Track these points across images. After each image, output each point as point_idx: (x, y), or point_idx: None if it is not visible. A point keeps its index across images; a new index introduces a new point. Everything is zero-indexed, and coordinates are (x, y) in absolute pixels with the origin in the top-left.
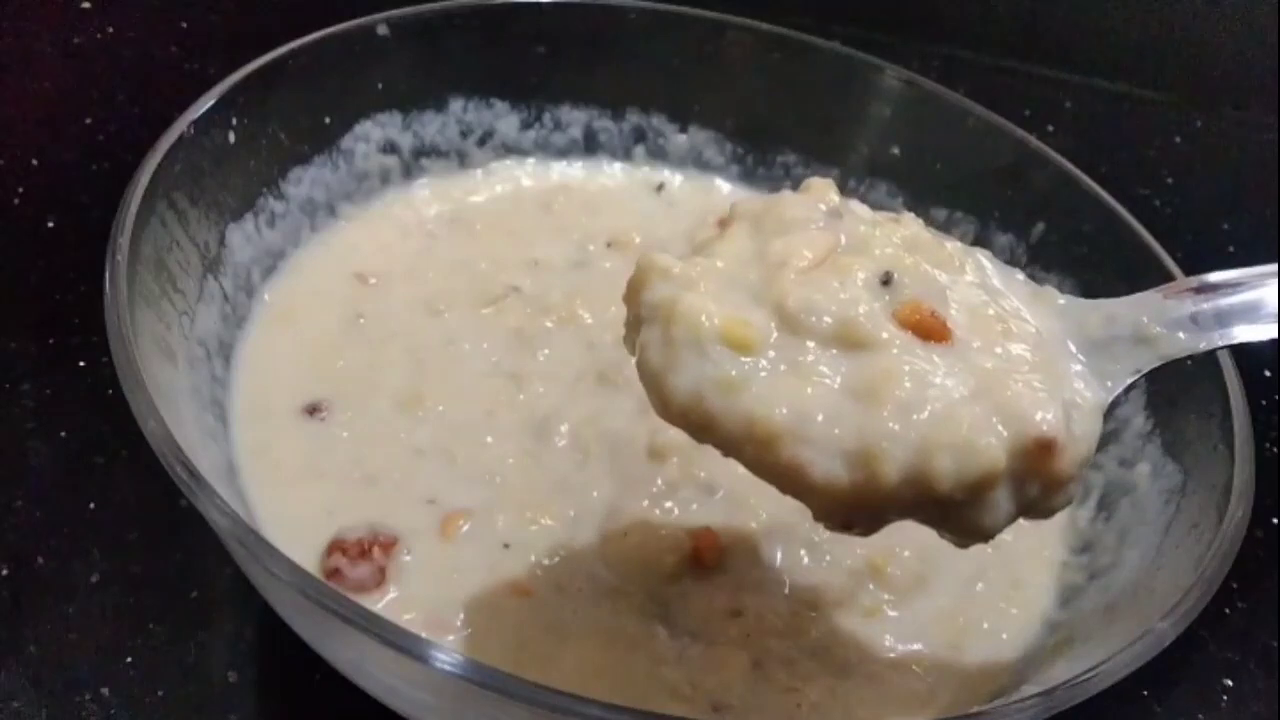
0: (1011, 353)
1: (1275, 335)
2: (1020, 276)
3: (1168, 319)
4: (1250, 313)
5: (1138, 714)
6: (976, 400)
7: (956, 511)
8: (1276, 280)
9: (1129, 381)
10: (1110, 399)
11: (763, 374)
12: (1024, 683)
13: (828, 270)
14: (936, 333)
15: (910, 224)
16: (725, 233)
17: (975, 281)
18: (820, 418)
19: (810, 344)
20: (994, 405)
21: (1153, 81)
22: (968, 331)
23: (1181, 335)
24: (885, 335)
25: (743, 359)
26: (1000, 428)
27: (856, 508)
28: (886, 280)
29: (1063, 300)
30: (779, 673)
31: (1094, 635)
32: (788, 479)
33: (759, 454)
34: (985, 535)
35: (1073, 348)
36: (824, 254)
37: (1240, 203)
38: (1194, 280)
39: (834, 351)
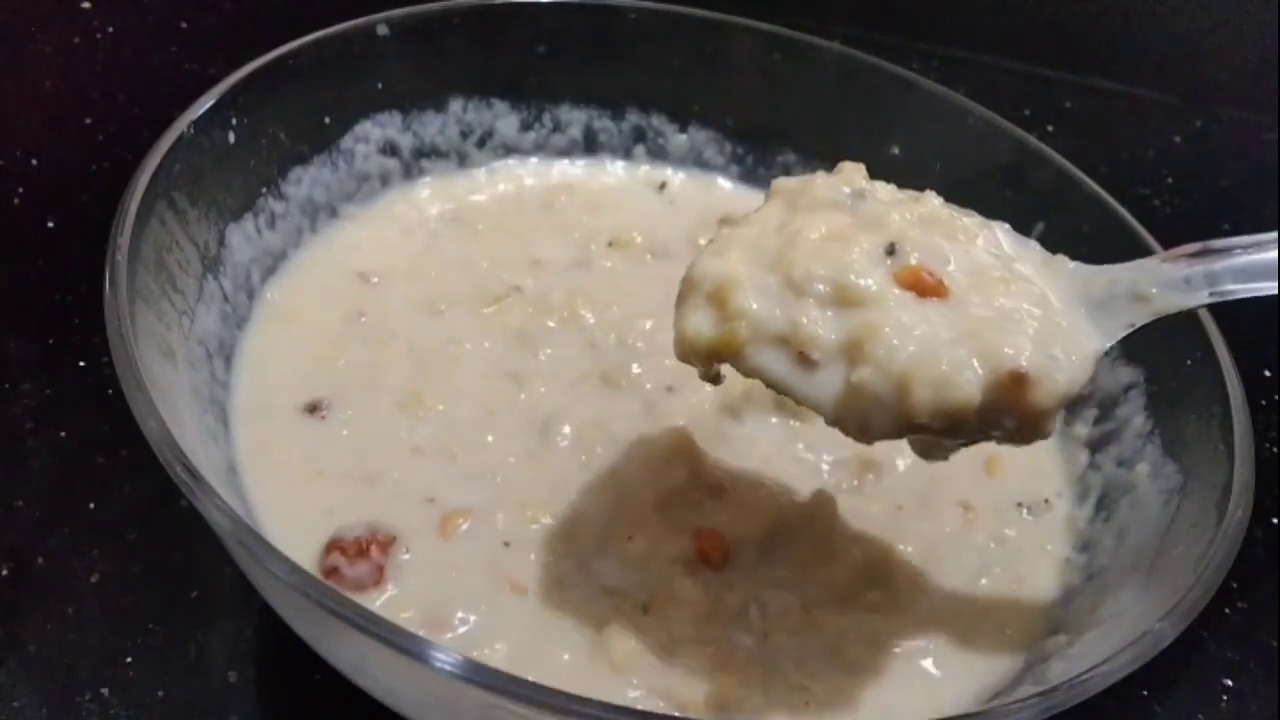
0: (1007, 306)
1: (1274, 292)
2: (1036, 246)
3: (1163, 280)
4: (1245, 272)
5: (1138, 714)
6: (961, 343)
7: (936, 437)
8: (1278, 244)
9: (1123, 334)
10: (1104, 347)
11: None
12: (1028, 677)
13: (836, 242)
14: (932, 289)
15: (929, 201)
16: (764, 205)
17: (986, 249)
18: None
19: (811, 306)
20: (976, 346)
21: (1153, 81)
22: (968, 290)
23: (1174, 294)
24: (876, 290)
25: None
26: (977, 364)
27: (862, 438)
28: (891, 250)
29: (1072, 266)
30: (788, 671)
31: (1094, 635)
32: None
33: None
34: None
35: (1076, 306)
36: (838, 230)
37: (1240, 203)
38: (1196, 245)
39: (829, 312)
